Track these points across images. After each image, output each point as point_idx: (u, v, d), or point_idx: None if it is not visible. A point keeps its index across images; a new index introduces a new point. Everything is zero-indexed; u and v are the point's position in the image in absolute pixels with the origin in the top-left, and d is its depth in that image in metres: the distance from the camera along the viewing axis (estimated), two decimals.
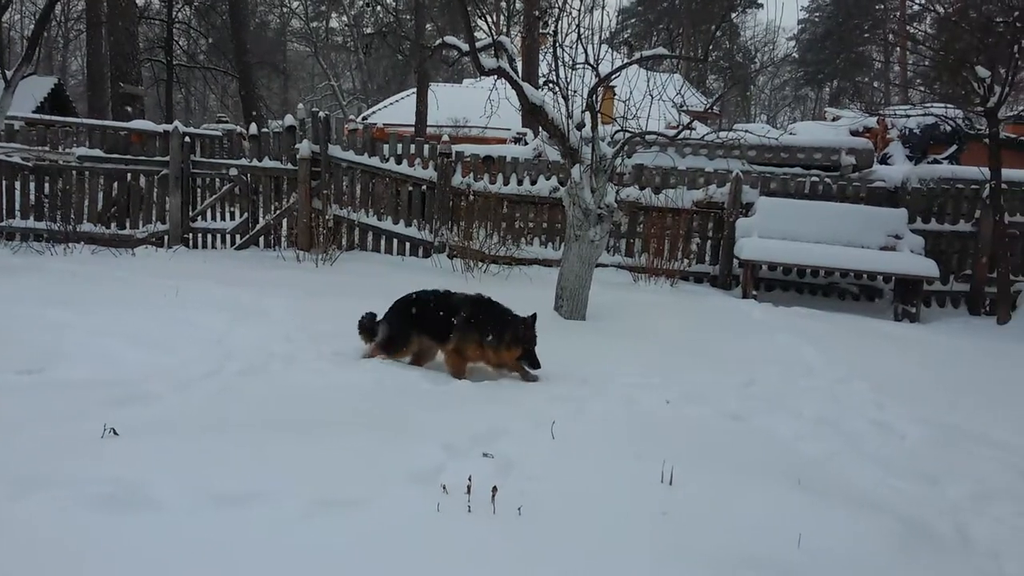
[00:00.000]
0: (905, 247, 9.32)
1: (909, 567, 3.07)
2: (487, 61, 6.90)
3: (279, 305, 6.82)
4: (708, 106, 11.35)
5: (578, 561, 2.83)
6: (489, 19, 29.69)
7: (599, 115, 6.92)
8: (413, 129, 21.81)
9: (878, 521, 3.38)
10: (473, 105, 14.03)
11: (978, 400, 5.48)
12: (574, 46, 7.20)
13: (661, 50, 7.15)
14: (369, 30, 39.22)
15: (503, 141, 15.46)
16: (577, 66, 6.80)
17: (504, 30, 30.84)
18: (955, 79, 10.79)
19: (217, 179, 10.29)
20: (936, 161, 12.57)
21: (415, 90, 25.25)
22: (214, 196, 10.29)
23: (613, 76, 7.00)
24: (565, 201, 7.07)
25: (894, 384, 5.67)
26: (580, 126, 7.05)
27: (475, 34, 7.65)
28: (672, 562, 2.87)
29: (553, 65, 7.11)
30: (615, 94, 7.89)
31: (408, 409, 4.32)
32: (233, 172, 10.15)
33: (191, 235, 10.27)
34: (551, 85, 7.25)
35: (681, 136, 7.33)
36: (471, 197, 10.06)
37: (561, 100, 7.14)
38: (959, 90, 11.04)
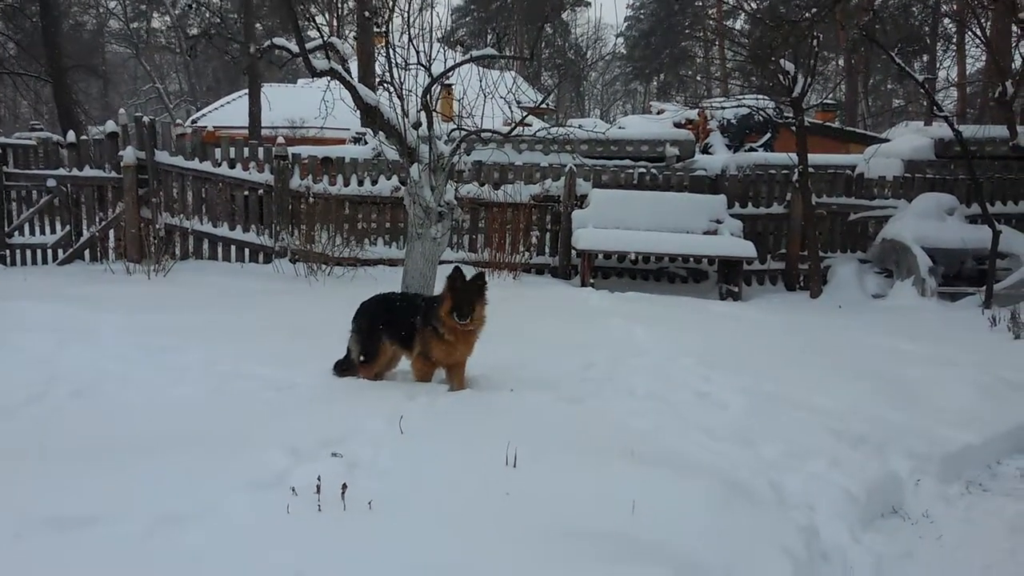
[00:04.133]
0: (726, 230, 10.00)
1: (729, 521, 3.38)
2: (318, 63, 6.86)
3: (110, 321, 6.54)
4: (539, 103, 11.67)
5: (426, 545, 2.96)
6: (323, 18, 29.19)
7: (436, 114, 7.03)
8: (247, 132, 21.16)
9: (702, 483, 3.69)
10: (309, 106, 13.83)
11: (794, 369, 5.97)
12: (407, 46, 7.28)
13: (490, 50, 7.33)
14: (194, 30, 37.63)
15: (342, 142, 15.28)
16: (410, 66, 6.88)
17: (337, 31, 30.38)
18: (765, 72, 11.64)
19: (34, 191, 9.68)
20: (752, 149, 13.48)
21: (247, 91, 24.50)
22: (31, 209, 9.67)
23: (446, 76, 7.12)
24: (406, 200, 7.15)
25: (718, 358, 6.10)
26: (416, 125, 7.14)
27: (308, 34, 7.58)
28: (514, 538, 3.04)
29: (387, 65, 7.16)
30: (451, 93, 8.03)
31: (252, 418, 4.29)
32: (51, 183, 9.59)
33: (8, 252, 9.62)
34: (386, 85, 7.29)
35: (515, 133, 7.56)
36: (311, 199, 9.95)
37: (396, 100, 7.20)
38: (769, 82, 11.93)
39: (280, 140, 10.28)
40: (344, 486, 3.30)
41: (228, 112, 26.32)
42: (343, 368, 5.23)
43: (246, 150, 10.09)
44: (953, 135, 10.01)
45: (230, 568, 2.77)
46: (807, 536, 3.49)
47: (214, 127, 18.31)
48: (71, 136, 9.71)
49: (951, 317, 8.34)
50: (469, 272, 5.03)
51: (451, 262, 9.49)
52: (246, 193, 10.05)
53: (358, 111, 7.41)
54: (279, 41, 7.12)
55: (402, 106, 7.10)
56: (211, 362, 5.37)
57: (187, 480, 3.40)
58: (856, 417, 4.90)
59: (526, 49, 34.95)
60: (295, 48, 7.07)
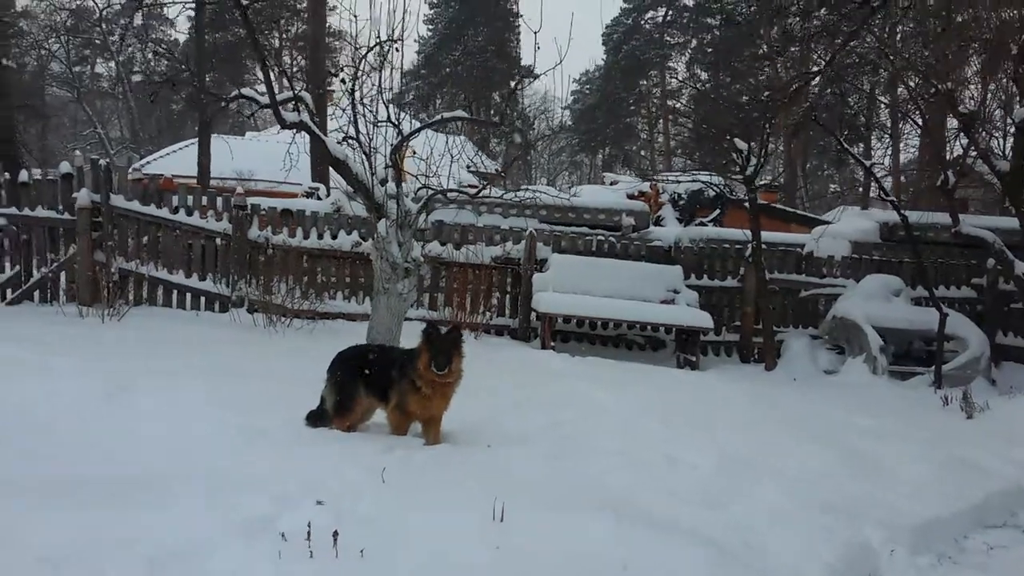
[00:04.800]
0: (683, 300, 10.20)
1: None
2: (288, 115, 6.90)
3: (66, 363, 6.30)
4: (507, 165, 11.90)
5: None
6: (273, 73, 29.25)
7: (404, 172, 7.10)
8: (195, 181, 20.93)
9: (685, 544, 3.71)
10: (258, 158, 13.83)
11: (758, 435, 6.06)
12: (374, 103, 7.36)
13: (460, 112, 7.49)
14: (137, 77, 37.29)
15: (294, 195, 15.23)
16: (380, 124, 6.94)
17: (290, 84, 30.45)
18: (717, 150, 12.07)
19: None
20: (703, 223, 13.87)
21: (194, 141, 24.28)
22: None
23: (414, 135, 7.21)
24: (372, 255, 7.14)
25: (681, 422, 6.16)
26: (384, 182, 7.19)
27: (257, 88, 7.59)
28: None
29: (353, 121, 7.21)
30: (414, 152, 8.11)
31: (227, 462, 4.18)
32: (1, 222, 9.30)
33: None
34: (350, 141, 7.33)
35: (481, 194, 7.66)
36: (270, 251, 9.85)
37: (363, 156, 7.24)
38: (720, 160, 12.37)
39: (239, 190, 10.20)
40: (335, 533, 3.23)
41: (174, 161, 25.98)
42: (315, 419, 5.13)
43: (204, 198, 9.98)
44: (898, 219, 10.47)
45: None
46: None
47: (172, 175, 18.07)
48: (24, 175, 9.47)
49: (903, 395, 8.59)
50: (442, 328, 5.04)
51: (412, 319, 9.49)
52: (203, 242, 9.90)
53: (312, 165, 7.42)
54: (248, 92, 7.14)
55: (370, 163, 7.14)
56: (175, 405, 5.21)
57: (175, 521, 3.29)
58: (823, 484, 4.98)
59: (479, 116, 35.53)
60: (263, 99, 7.10)
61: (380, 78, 7.34)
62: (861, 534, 4.33)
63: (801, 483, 4.97)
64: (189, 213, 9.84)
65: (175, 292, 9.86)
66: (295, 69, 34.51)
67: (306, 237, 10.09)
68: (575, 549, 3.55)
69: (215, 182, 20.24)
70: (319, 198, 13.83)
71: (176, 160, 25.96)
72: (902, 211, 10.57)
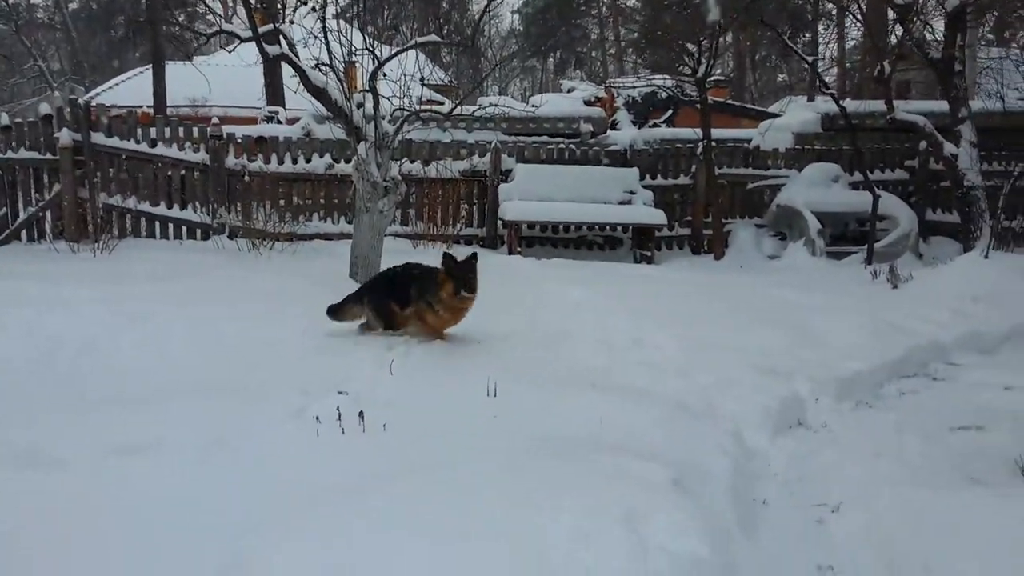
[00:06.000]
0: (639, 201, 10.90)
1: (677, 429, 4.20)
2: (271, 48, 7.32)
3: (76, 294, 6.83)
4: (475, 86, 12.27)
5: (436, 451, 3.65)
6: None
7: (378, 96, 7.59)
8: (152, 111, 20.89)
9: (652, 404, 4.51)
10: (210, 83, 14.07)
11: (713, 318, 6.81)
12: (351, 32, 7.76)
13: (433, 37, 7.94)
14: (75, 4, 36.04)
15: (254, 121, 15.48)
16: (358, 52, 7.40)
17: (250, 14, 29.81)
18: (668, 52, 12.57)
19: None
20: (656, 125, 14.46)
21: (141, 70, 23.99)
22: None
23: (388, 61, 7.68)
24: (354, 176, 7.69)
25: (645, 311, 6.92)
26: (360, 106, 7.69)
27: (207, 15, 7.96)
28: (504, 443, 3.77)
29: (327, 48, 7.65)
30: (385, 75, 8.53)
31: (256, 369, 4.87)
32: None
33: None
34: (324, 68, 7.77)
35: (453, 112, 8.18)
36: (247, 178, 10.32)
37: (336, 82, 7.71)
38: (671, 61, 12.89)
39: (214, 120, 10.58)
40: (361, 414, 3.96)
41: (124, 91, 25.63)
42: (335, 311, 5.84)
43: (181, 130, 10.35)
44: (838, 110, 11.18)
45: (290, 473, 3.41)
46: (736, 440, 4.35)
47: (148, 107, 18.05)
48: (4, 118, 9.77)
49: (839, 273, 9.46)
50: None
51: (387, 235, 10.10)
52: (182, 172, 10.32)
53: (264, 90, 7.83)
54: (228, 27, 7.53)
55: (347, 88, 7.62)
56: (194, 324, 5.81)
57: (225, 416, 3.99)
58: (767, 354, 5.78)
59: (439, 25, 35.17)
60: (244, 34, 7.50)
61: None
62: (794, 389, 5.17)
63: (747, 354, 5.75)
64: (168, 146, 10.23)
65: (158, 223, 10.33)
66: None
67: (281, 163, 10.55)
68: (560, 411, 4.34)
69: (170, 110, 20.25)
70: (279, 121, 14.13)
71: (126, 90, 25.64)
72: (840, 102, 11.26)
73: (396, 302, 5.69)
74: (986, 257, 8.33)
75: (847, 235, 11.24)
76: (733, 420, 4.59)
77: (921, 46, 11.13)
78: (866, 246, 10.28)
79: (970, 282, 7.72)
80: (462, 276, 5.43)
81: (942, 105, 11.11)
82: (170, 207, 10.33)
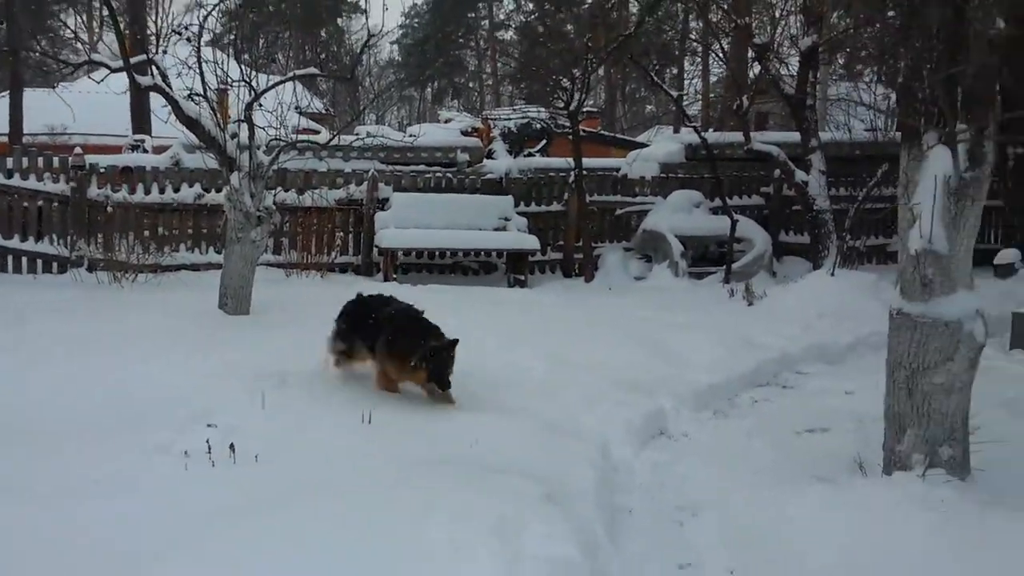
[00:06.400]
0: (513, 227, 11.18)
1: (548, 446, 4.38)
2: (143, 79, 7.18)
3: None
4: (354, 117, 12.28)
5: (312, 477, 3.69)
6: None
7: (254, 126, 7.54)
8: (8, 139, 19.81)
9: (523, 423, 4.68)
10: (67, 111, 13.56)
11: (580, 339, 7.05)
12: (227, 63, 7.70)
13: (313, 70, 7.98)
14: None
15: (118, 150, 14.92)
16: (234, 84, 7.34)
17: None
18: (543, 84, 12.98)
19: None
20: (530, 154, 14.83)
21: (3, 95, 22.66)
22: None
23: (265, 92, 7.65)
24: (226, 206, 7.60)
25: (517, 334, 7.10)
26: (233, 136, 7.63)
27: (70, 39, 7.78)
28: (380, 465, 3.86)
29: (201, 79, 7.56)
30: (261, 104, 8.41)
31: (126, 406, 4.74)
32: None
33: None
34: (197, 98, 7.67)
35: (330, 142, 8.21)
36: (110, 208, 9.98)
37: (209, 112, 7.62)
38: (545, 93, 13.32)
39: (77, 150, 10.21)
40: (232, 446, 3.95)
41: None
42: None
43: (40, 160, 9.94)
44: (700, 141, 11.84)
45: (163, 506, 3.37)
46: (603, 453, 4.57)
47: (2, 135, 17.02)
48: None
49: (699, 292, 9.96)
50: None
51: (260, 264, 9.95)
52: (40, 204, 9.90)
53: (131, 117, 7.69)
54: (98, 57, 7.34)
55: (221, 120, 7.54)
56: (71, 360, 5.57)
57: (104, 452, 3.91)
58: (632, 371, 6.05)
59: (303, 55, 34.88)
60: (115, 64, 7.33)
61: (238, 41, 7.63)
62: (656, 402, 5.46)
63: (613, 371, 6.00)
64: (24, 176, 9.79)
65: (11, 257, 9.86)
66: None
67: (147, 193, 10.26)
68: (434, 433, 4.45)
69: (26, 138, 19.25)
70: (145, 150, 13.69)
71: None
72: (702, 133, 11.92)
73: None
74: (832, 275, 8.97)
75: (707, 256, 11.85)
76: (599, 435, 4.81)
77: (777, 82, 11.91)
78: (725, 267, 10.88)
79: (818, 298, 8.31)
80: (438, 367, 5.00)
81: (795, 136, 11.90)
82: (24, 240, 9.87)
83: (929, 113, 3.89)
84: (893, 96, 11.90)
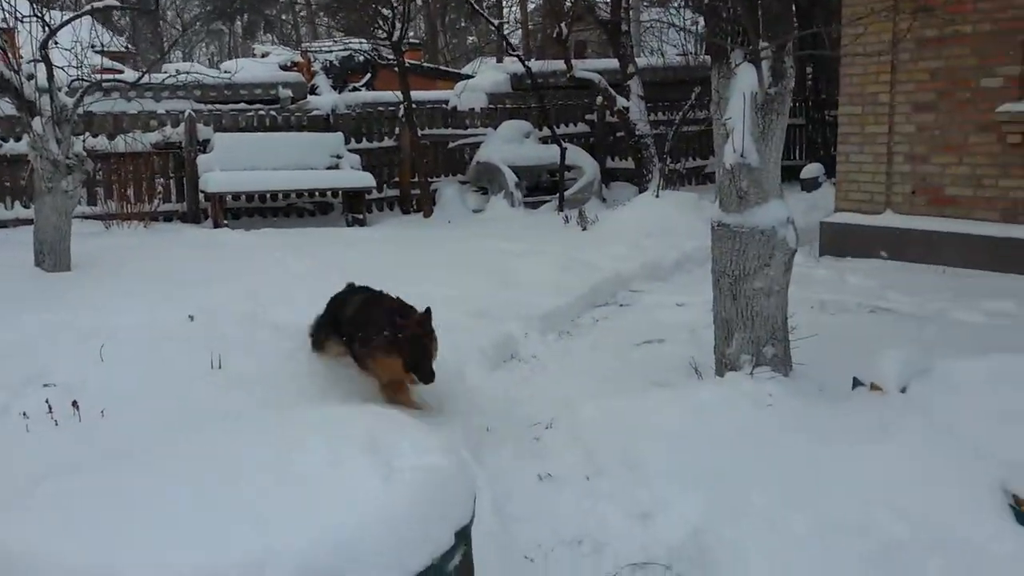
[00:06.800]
0: (346, 165, 10.97)
1: None
2: None
3: None
4: (164, 53, 11.49)
5: (164, 426, 3.58)
6: None
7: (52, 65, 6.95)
8: None
9: None
10: None
11: (425, 271, 7.03)
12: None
13: (112, 1, 7.36)
14: None
15: None
16: (25, 19, 6.71)
17: None
18: (362, 15, 12.64)
19: None
20: (356, 88, 14.49)
21: None
22: None
23: (61, 27, 7.04)
24: (31, 155, 7.02)
25: (361, 271, 6.98)
26: (31, 77, 7.01)
27: None
28: (238, 406, 3.82)
29: None
30: (57, 43, 7.80)
31: None
32: None
33: None
34: None
35: (141, 81, 7.71)
36: None
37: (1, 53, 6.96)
38: (365, 24, 12.98)
39: None
40: (75, 403, 3.79)
41: None
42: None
43: None
44: (524, 70, 11.97)
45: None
46: (459, 378, 4.73)
47: None
48: None
49: (536, 221, 10.24)
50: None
51: (76, 217, 9.31)
52: None
53: None
54: None
55: (14, 60, 6.91)
56: None
57: None
58: (479, 300, 6.19)
59: None
60: None
61: None
62: (505, 328, 5.64)
63: (461, 301, 6.11)
64: None
65: None
66: None
67: None
68: (285, 375, 4.43)
69: None
70: None
71: None
72: (526, 62, 12.06)
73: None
74: (657, 197, 9.44)
75: (541, 186, 12.15)
76: (454, 362, 4.93)
77: (592, 9, 12.17)
78: (558, 195, 11.19)
79: (645, 220, 8.76)
80: (414, 353, 4.15)
81: (615, 63, 12.26)
82: None
83: (734, 32, 4.11)
84: (701, 20, 12.47)
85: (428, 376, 4.13)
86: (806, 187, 11.40)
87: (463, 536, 1.99)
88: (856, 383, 3.93)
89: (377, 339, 4.21)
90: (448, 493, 1.99)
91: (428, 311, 4.26)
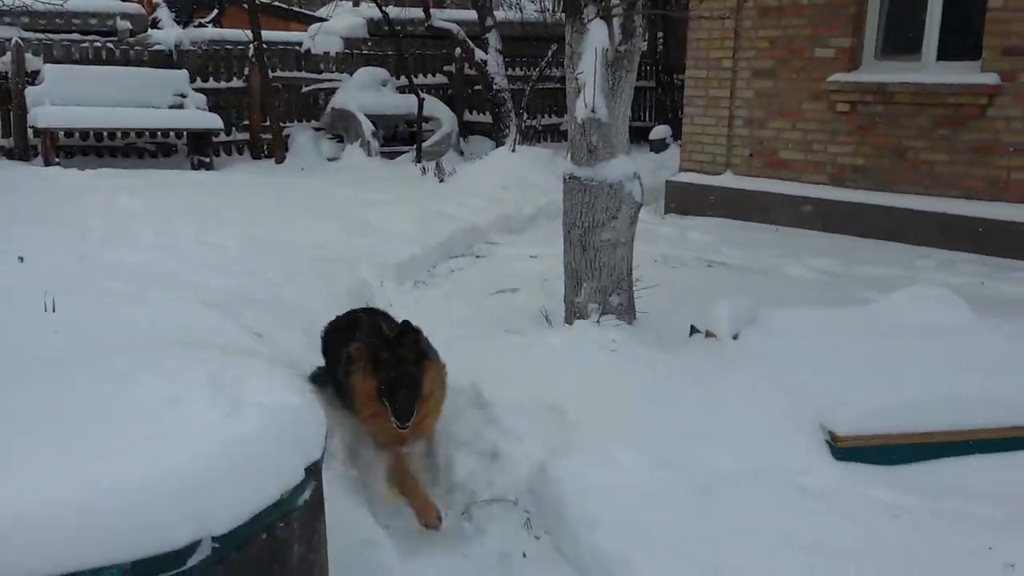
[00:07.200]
0: (191, 104, 10.43)
1: (249, 321, 4.36)
2: None
3: None
4: None
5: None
6: None
7: None
8: None
9: (222, 301, 4.59)
10: None
11: (276, 218, 6.90)
12: None
13: None
14: None
15: None
16: None
17: None
18: None
19: None
20: (202, 24, 13.75)
21: None
22: None
23: None
24: None
25: (207, 215, 6.80)
26: None
27: None
28: (77, 347, 3.63)
29: None
30: None
31: None
32: None
33: None
34: None
35: None
36: None
37: None
38: None
39: None
40: None
41: None
42: None
43: None
44: (381, 15, 11.71)
45: None
46: (310, 324, 4.65)
47: None
48: None
49: (393, 171, 10.12)
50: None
51: None
52: None
53: None
54: None
55: None
56: None
57: None
58: (332, 247, 6.14)
59: None
60: None
61: None
62: (359, 275, 5.62)
63: (313, 248, 6.04)
64: None
65: None
66: None
67: None
68: (125, 319, 4.23)
69: None
70: None
71: None
72: (383, 8, 11.80)
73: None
74: (514, 151, 9.55)
75: (398, 136, 12.01)
76: (305, 309, 4.87)
77: None
78: (415, 145, 11.09)
79: (502, 173, 8.86)
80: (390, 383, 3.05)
81: (473, 15, 12.19)
82: None
83: None
84: None
85: (402, 414, 2.98)
86: (655, 148, 11.83)
87: (313, 471, 2.01)
88: (693, 331, 4.18)
89: (348, 352, 3.29)
90: (297, 428, 1.99)
91: (417, 329, 3.25)
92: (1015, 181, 6.53)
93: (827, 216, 7.37)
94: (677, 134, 10.80)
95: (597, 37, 4.19)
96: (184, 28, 12.36)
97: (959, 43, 6.93)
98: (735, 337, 3.87)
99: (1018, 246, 6.34)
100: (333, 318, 3.99)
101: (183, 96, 10.42)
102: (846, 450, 3.08)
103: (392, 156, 11.06)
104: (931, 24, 7.03)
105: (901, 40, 7.31)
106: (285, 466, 1.89)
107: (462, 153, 11.49)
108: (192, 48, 11.20)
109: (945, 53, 7.02)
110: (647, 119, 14.06)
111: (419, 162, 10.32)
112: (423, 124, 11.33)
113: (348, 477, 3.27)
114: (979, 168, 6.71)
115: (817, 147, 7.65)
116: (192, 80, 10.77)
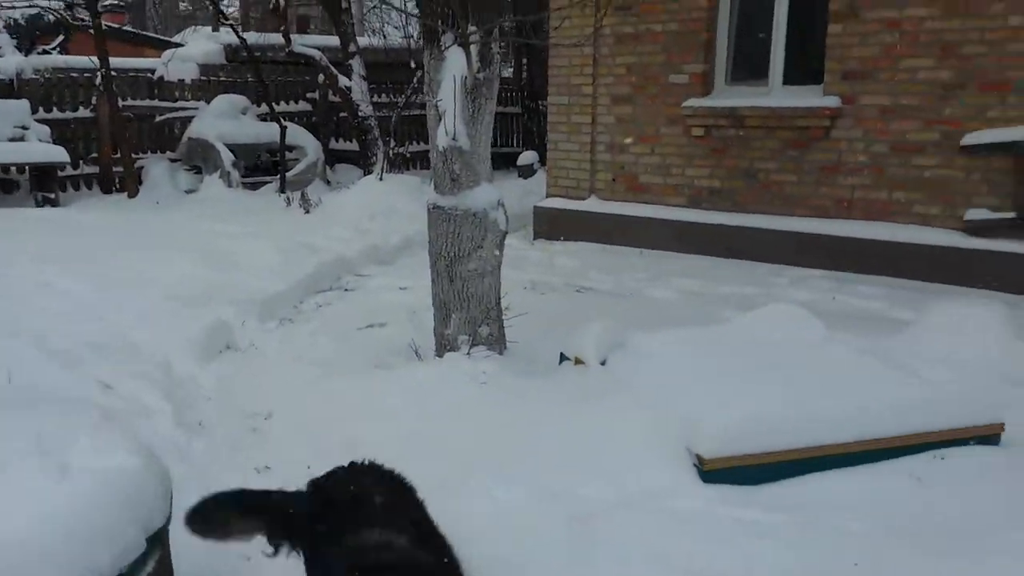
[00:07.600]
0: (33, 137, 9.79)
1: (93, 369, 4.08)
2: None
3: None
4: None
5: None
6: None
7: None
8: None
9: (67, 349, 4.28)
10: None
11: (128, 256, 6.46)
12: None
13: None
14: None
15: None
16: None
17: None
18: None
19: None
20: (47, 51, 12.98)
21: None
22: None
23: None
24: None
25: (51, 256, 6.33)
26: None
27: None
28: None
29: None
30: None
31: None
32: None
33: None
34: None
35: None
36: None
37: None
38: None
39: None
40: None
41: None
42: None
43: None
44: (239, 41, 11.35)
45: None
46: (165, 371, 4.41)
47: None
48: None
49: (255, 202, 9.75)
50: None
51: None
52: None
53: None
54: None
55: None
56: None
57: None
58: (189, 285, 5.82)
59: None
60: None
61: None
62: (218, 315, 5.35)
63: (168, 288, 5.70)
64: None
65: None
66: None
67: None
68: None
69: None
70: None
71: None
72: (240, 33, 11.46)
73: None
74: (381, 180, 9.42)
75: (260, 166, 11.64)
76: (159, 353, 4.61)
77: None
78: (279, 175, 10.78)
79: (369, 203, 8.71)
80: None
81: (336, 40, 11.99)
82: None
83: (445, 15, 4.14)
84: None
85: None
86: (522, 173, 11.95)
87: (157, 540, 1.85)
88: (563, 358, 4.19)
89: None
90: (136, 494, 1.84)
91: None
92: (859, 200, 6.92)
93: (687, 238, 7.60)
94: (544, 159, 10.95)
95: (456, 64, 4.16)
96: (26, 55, 11.65)
97: (803, 68, 7.30)
98: (603, 363, 3.90)
99: (865, 260, 6.71)
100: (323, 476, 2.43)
101: (24, 128, 9.79)
102: (713, 472, 3.13)
103: (255, 187, 10.71)
104: (776, 50, 7.37)
105: (750, 65, 7.65)
106: (121, 536, 1.73)
107: (329, 182, 11.26)
108: (35, 76, 10.55)
109: (791, 77, 7.37)
110: (515, 144, 14.22)
111: (283, 192, 10.02)
112: (287, 153, 11.04)
113: None
114: (826, 187, 7.08)
115: (675, 171, 7.89)
116: (35, 111, 10.13)
